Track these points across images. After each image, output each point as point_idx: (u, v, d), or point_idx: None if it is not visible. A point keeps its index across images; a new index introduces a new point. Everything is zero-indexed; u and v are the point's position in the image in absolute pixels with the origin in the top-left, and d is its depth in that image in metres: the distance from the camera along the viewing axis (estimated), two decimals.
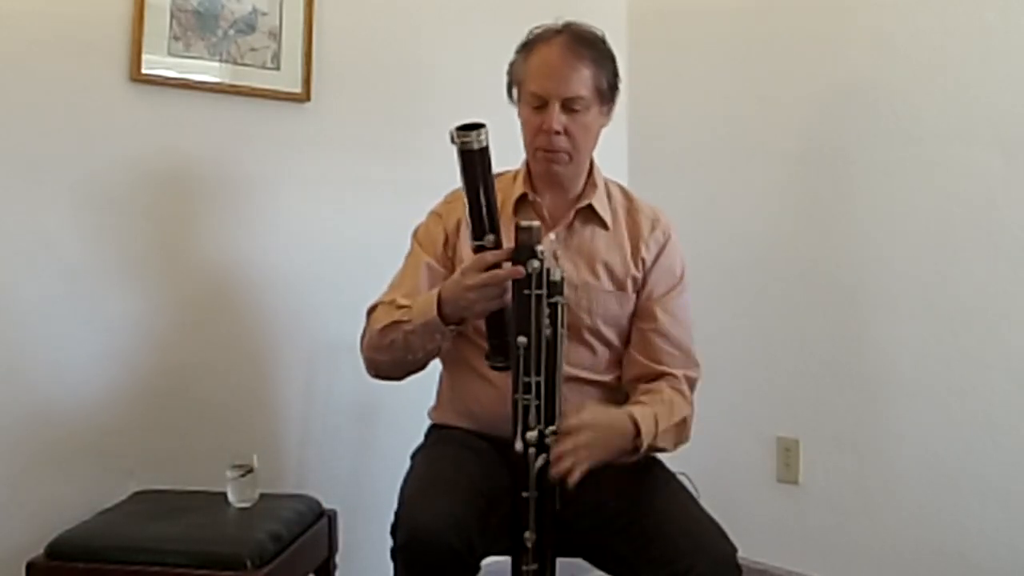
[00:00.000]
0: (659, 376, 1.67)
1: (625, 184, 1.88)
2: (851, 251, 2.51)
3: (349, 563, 2.04)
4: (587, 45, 1.65)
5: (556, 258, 1.56)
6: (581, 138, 1.65)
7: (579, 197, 1.74)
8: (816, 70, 2.59)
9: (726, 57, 2.80)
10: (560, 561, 1.57)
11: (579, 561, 1.64)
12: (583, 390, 1.64)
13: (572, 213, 1.72)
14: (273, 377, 2.26)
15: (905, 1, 2.40)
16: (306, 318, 2.29)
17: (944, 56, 2.32)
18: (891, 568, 2.42)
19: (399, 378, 1.72)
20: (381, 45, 2.45)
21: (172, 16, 2.08)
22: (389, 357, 1.65)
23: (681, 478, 1.66)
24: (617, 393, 1.72)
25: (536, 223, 1.48)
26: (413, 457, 1.76)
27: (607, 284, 1.69)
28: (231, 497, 1.80)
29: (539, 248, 1.46)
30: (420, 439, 1.81)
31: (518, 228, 1.47)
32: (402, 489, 1.56)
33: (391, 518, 1.49)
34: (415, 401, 1.86)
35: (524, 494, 1.47)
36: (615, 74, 1.69)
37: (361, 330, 1.72)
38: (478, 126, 1.47)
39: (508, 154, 1.74)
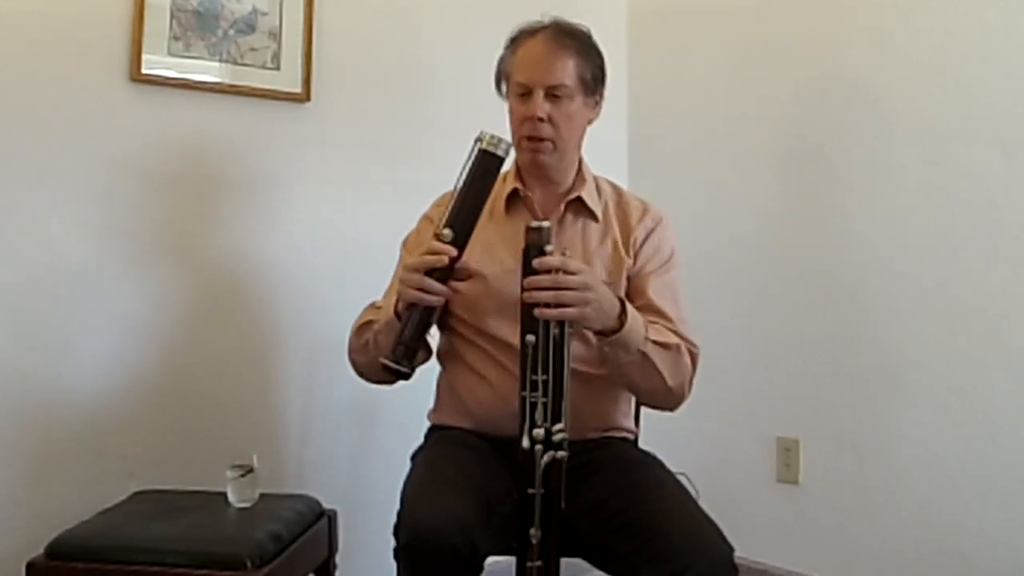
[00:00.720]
0: None
1: (625, 184, 1.89)
2: (851, 251, 2.51)
3: (349, 563, 2.04)
4: (571, 36, 1.70)
5: (564, 256, 1.56)
6: (565, 126, 1.68)
7: (569, 191, 1.76)
8: (816, 70, 2.59)
9: (726, 57, 2.80)
10: (561, 561, 1.57)
11: (579, 561, 1.64)
12: (579, 382, 1.65)
13: (563, 206, 1.74)
14: (273, 377, 2.26)
15: (905, 1, 2.40)
16: (306, 318, 2.29)
17: (944, 56, 2.32)
18: (891, 568, 2.42)
19: (387, 383, 1.70)
20: (381, 45, 2.45)
21: (172, 16, 2.08)
22: (365, 359, 1.70)
23: (680, 478, 1.66)
24: (612, 385, 1.72)
25: (546, 223, 1.50)
26: (413, 458, 1.76)
27: (601, 275, 1.70)
28: (231, 497, 1.80)
29: (548, 248, 1.48)
30: (420, 439, 1.81)
31: (528, 228, 1.49)
32: (404, 490, 1.56)
33: (391, 518, 1.49)
34: (415, 401, 1.86)
35: (530, 491, 1.47)
36: (601, 68, 1.73)
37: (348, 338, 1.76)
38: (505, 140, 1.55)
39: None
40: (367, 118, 2.41)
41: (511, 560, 1.53)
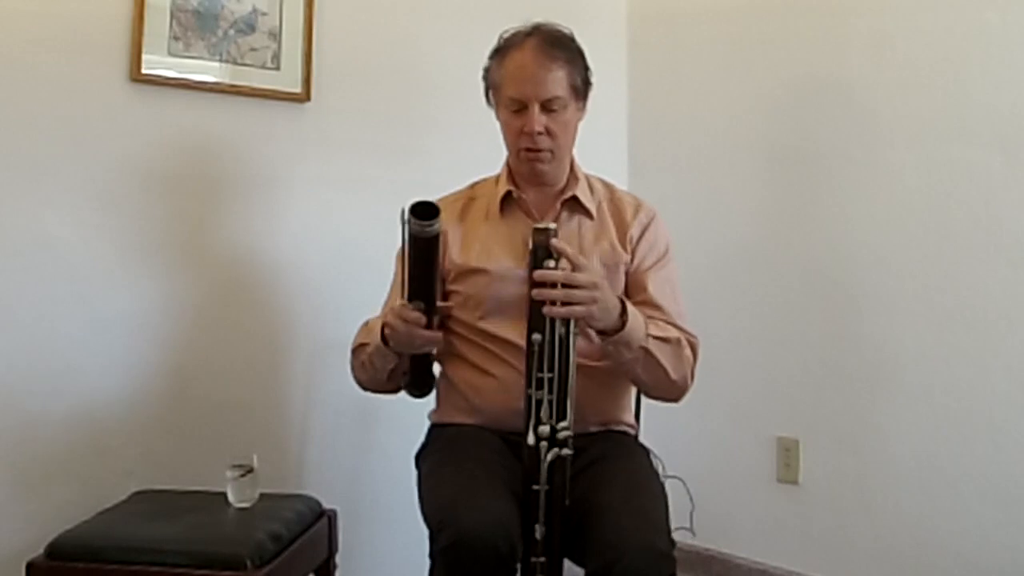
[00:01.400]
0: None
1: (625, 184, 1.89)
2: (851, 251, 2.51)
3: (349, 563, 2.04)
4: (559, 46, 1.70)
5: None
6: (562, 135, 1.72)
7: (563, 190, 1.79)
8: (815, 70, 2.59)
9: (726, 57, 2.80)
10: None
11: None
12: (580, 375, 1.65)
13: (559, 205, 1.77)
14: (273, 377, 2.26)
15: (904, 1, 2.40)
16: (306, 318, 2.29)
17: (944, 56, 2.32)
18: (891, 568, 2.42)
19: (390, 392, 1.81)
20: (381, 45, 2.45)
21: (172, 16, 2.08)
22: (366, 376, 1.77)
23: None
24: (612, 377, 1.73)
25: (552, 225, 1.54)
26: (420, 457, 1.76)
27: (599, 271, 1.70)
28: (231, 497, 1.80)
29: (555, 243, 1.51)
30: (421, 439, 1.81)
31: (535, 229, 1.52)
32: (430, 489, 1.58)
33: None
34: (415, 401, 1.86)
35: (535, 487, 1.49)
36: (587, 69, 1.75)
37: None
38: (433, 212, 1.54)
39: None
40: (367, 118, 2.41)
41: None
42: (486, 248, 1.75)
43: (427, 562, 1.52)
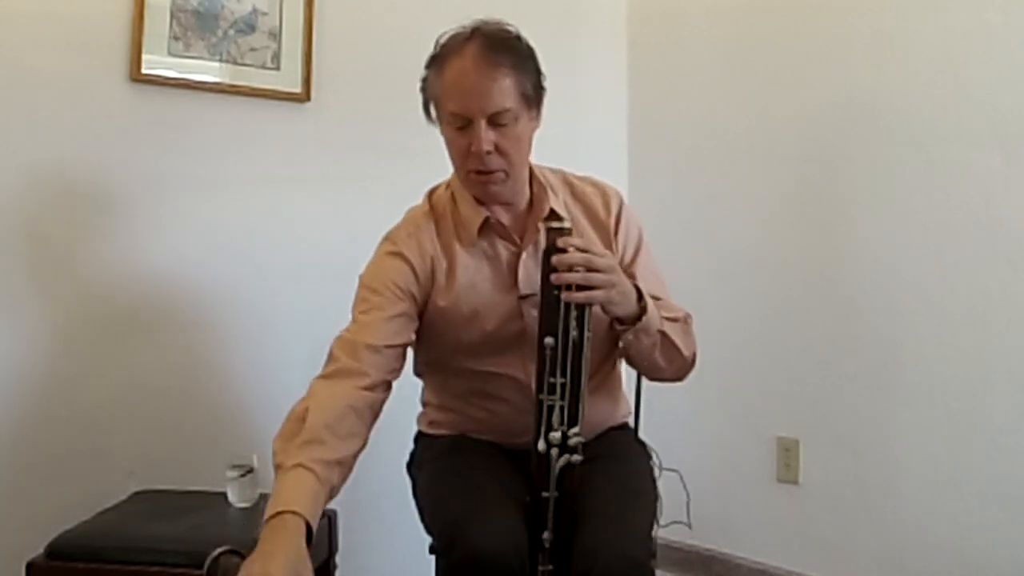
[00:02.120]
0: None
1: (625, 184, 1.87)
2: (851, 251, 2.51)
3: (349, 563, 2.04)
4: (503, 50, 1.50)
5: None
6: (514, 152, 1.53)
7: (532, 204, 1.64)
8: (816, 70, 2.59)
9: (726, 57, 2.80)
10: None
11: None
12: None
13: (540, 226, 1.59)
14: (273, 377, 2.25)
15: (905, 1, 2.40)
16: (306, 317, 2.29)
17: (944, 56, 2.32)
18: (891, 568, 2.42)
19: None
20: (381, 45, 2.45)
21: (172, 16, 2.08)
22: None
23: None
24: (606, 382, 1.71)
25: (567, 224, 1.47)
26: (412, 467, 1.74)
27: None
28: (231, 497, 1.80)
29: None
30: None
31: (549, 229, 1.46)
32: (436, 502, 1.55)
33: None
34: (415, 402, 1.86)
35: (544, 494, 1.46)
36: (538, 72, 1.56)
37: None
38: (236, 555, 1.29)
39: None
40: (367, 118, 2.41)
41: None
42: (472, 284, 1.60)
43: (427, 562, 1.52)
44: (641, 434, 1.89)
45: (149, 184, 2.08)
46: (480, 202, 1.61)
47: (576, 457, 1.46)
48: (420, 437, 1.79)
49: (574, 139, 2.76)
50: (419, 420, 1.82)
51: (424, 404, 1.81)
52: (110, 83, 2.02)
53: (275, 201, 2.26)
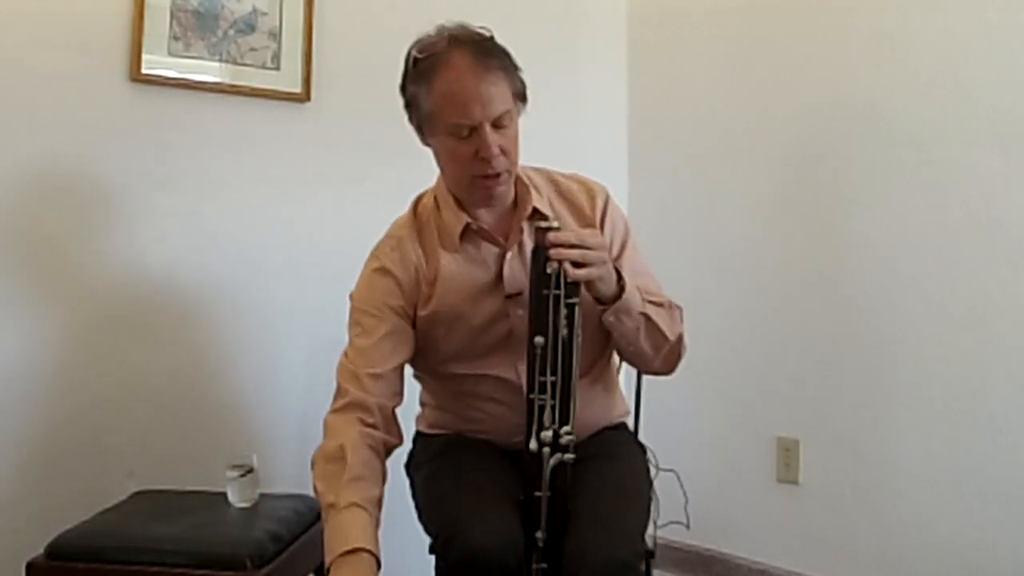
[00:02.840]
0: None
1: (625, 184, 1.87)
2: (851, 251, 2.51)
3: None
4: (491, 54, 1.53)
5: None
6: (515, 151, 1.57)
7: (516, 204, 1.64)
8: (816, 70, 2.59)
9: (726, 57, 2.80)
10: None
11: None
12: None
13: (524, 225, 1.62)
14: (273, 377, 2.26)
15: (905, 1, 2.40)
16: (306, 317, 2.29)
17: (944, 56, 2.32)
18: (891, 568, 2.42)
19: None
20: (381, 45, 2.43)
21: (172, 16, 2.08)
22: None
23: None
24: (602, 380, 1.71)
25: (556, 224, 1.49)
26: (410, 467, 1.74)
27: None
28: (231, 497, 1.80)
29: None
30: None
31: (538, 229, 1.48)
32: (434, 501, 1.56)
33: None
34: (412, 404, 1.86)
35: (536, 493, 1.47)
36: (518, 68, 1.58)
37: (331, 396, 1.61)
38: None
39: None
40: (367, 118, 2.41)
41: None
42: (459, 289, 1.60)
43: (427, 562, 1.52)
44: (641, 434, 1.89)
45: (149, 184, 2.08)
46: (463, 208, 1.62)
47: (568, 456, 1.47)
48: (418, 437, 1.80)
49: (574, 139, 2.76)
50: (417, 421, 1.83)
51: (422, 405, 1.82)
52: (110, 83, 2.02)
53: (275, 201, 2.26)
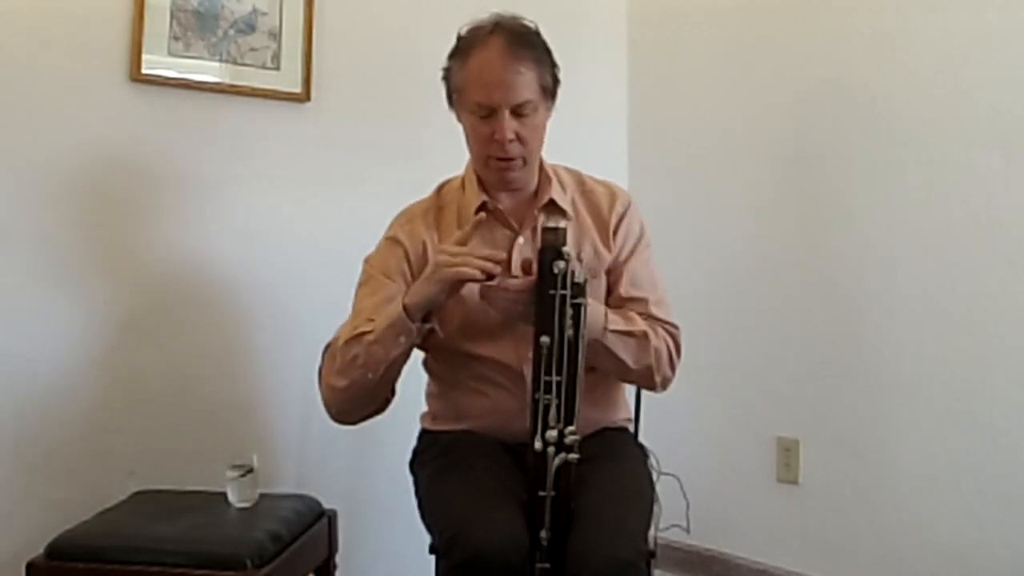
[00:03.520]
0: None
1: (625, 185, 1.88)
2: (851, 251, 2.51)
3: (349, 563, 2.04)
4: (526, 44, 1.60)
5: (580, 260, 1.57)
6: (532, 140, 1.63)
7: (536, 194, 1.71)
8: (816, 70, 2.59)
9: (726, 57, 2.80)
10: None
11: None
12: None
13: (537, 213, 1.68)
14: (273, 377, 2.26)
15: (905, 1, 2.40)
16: (306, 317, 2.29)
17: (944, 56, 2.32)
18: (891, 568, 2.42)
19: (354, 420, 1.68)
20: (381, 45, 2.45)
21: (172, 16, 2.08)
22: (348, 380, 1.59)
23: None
24: (603, 379, 1.71)
25: (562, 225, 1.49)
26: (415, 465, 1.75)
27: (583, 273, 1.66)
28: (231, 497, 1.80)
29: (564, 249, 1.46)
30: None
31: (544, 229, 1.48)
32: (437, 500, 1.56)
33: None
34: (415, 402, 1.86)
35: (541, 493, 1.47)
36: (554, 65, 1.66)
37: (318, 367, 1.68)
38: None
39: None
40: (367, 118, 2.41)
41: None
42: None
43: (427, 562, 1.52)
44: (641, 435, 1.90)
45: (148, 184, 2.08)
46: (485, 189, 1.69)
47: (573, 456, 1.47)
48: (423, 435, 1.81)
49: (574, 139, 2.75)
50: (422, 418, 1.84)
51: (427, 397, 1.84)
52: (110, 83, 2.02)
53: (275, 201, 2.26)
